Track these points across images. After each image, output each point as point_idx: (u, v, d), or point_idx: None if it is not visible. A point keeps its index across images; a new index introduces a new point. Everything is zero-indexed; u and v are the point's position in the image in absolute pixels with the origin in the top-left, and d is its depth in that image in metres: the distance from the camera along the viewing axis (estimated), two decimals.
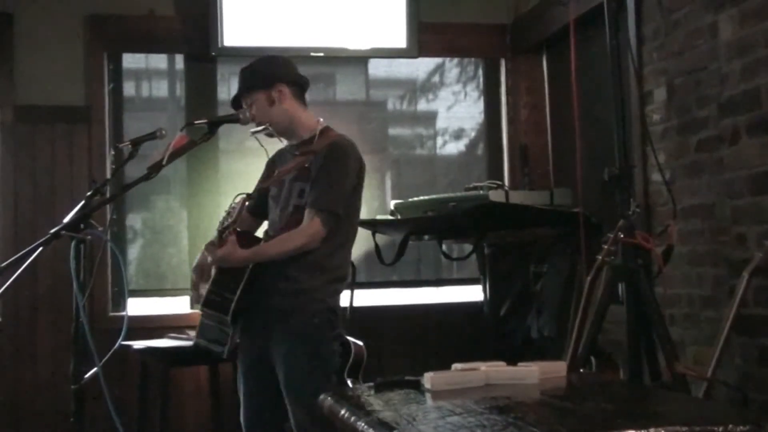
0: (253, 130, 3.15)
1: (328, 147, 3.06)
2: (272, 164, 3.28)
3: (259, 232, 3.31)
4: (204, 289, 3.06)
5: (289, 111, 3.14)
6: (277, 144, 3.29)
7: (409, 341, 4.71)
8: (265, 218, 3.26)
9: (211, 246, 2.92)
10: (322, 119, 3.22)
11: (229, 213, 2.85)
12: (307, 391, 2.80)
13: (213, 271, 3.04)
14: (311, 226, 2.97)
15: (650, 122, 3.56)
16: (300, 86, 3.20)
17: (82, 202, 2.44)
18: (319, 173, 3.02)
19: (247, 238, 3.07)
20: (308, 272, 3.01)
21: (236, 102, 3.20)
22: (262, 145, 3.19)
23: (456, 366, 2.03)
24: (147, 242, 4.85)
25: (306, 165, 3.05)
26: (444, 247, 4.65)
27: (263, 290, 3.00)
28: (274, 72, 3.16)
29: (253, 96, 3.12)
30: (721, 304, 3.11)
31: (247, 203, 2.88)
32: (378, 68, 5.15)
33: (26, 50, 4.56)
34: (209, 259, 2.97)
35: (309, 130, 3.16)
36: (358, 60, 5.02)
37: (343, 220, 3.05)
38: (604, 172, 2.77)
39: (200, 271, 3.13)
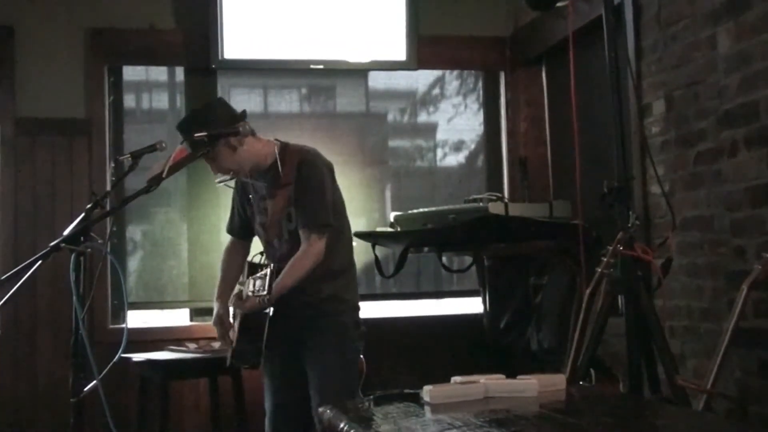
0: (219, 180, 3.21)
1: (298, 167, 3.12)
2: (244, 186, 3.32)
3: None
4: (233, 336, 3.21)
5: (251, 150, 3.13)
6: None
7: (408, 354, 4.70)
8: (252, 237, 3.40)
9: (238, 300, 3.09)
10: (272, 138, 3.23)
11: (261, 278, 2.92)
12: (338, 387, 3.04)
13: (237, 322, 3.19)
14: (312, 245, 3.07)
15: (649, 135, 3.56)
16: (244, 120, 3.12)
17: (82, 215, 2.44)
18: (301, 194, 3.11)
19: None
20: (324, 281, 3.14)
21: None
22: (230, 187, 3.32)
23: (455, 379, 2.03)
24: (147, 255, 4.85)
25: (282, 188, 3.13)
26: (444, 259, 4.65)
27: (289, 305, 3.10)
28: (222, 121, 3.05)
29: (213, 152, 3.03)
30: (720, 316, 3.11)
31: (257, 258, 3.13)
32: (378, 80, 5.16)
33: (27, 63, 4.58)
34: (235, 310, 3.14)
35: (270, 157, 3.18)
36: (358, 72, 5.03)
37: (334, 225, 3.17)
38: (603, 184, 2.77)
39: (220, 321, 3.24)
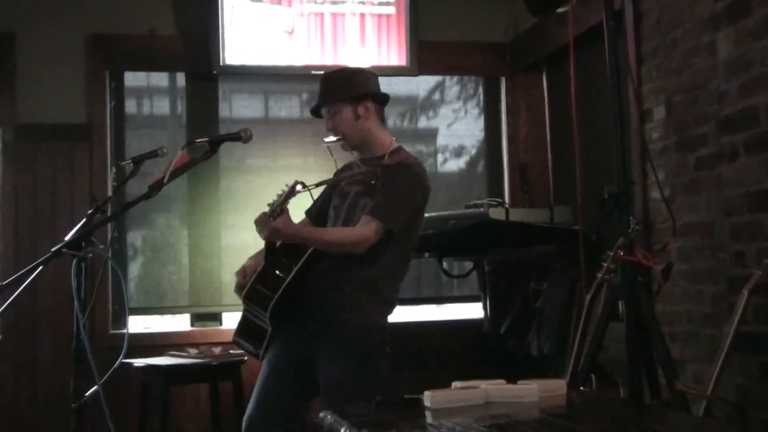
0: (327, 140, 3.13)
1: (396, 165, 3.04)
2: (340, 174, 3.26)
3: None
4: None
5: (370, 128, 3.11)
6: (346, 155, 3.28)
7: (409, 359, 4.70)
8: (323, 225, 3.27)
9: (264, 217, 2.79)
10: (395, 139, 3.20)
11: (279, 194, 2.76)
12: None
13: (258, 269, 3.03)
14: (365, 228, 2.92)
15: (649, 140, 3.57)
16: (382, 103, 3.18)
17: (83, 220, 2.44)
18: (384, 187, 3.00)
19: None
20: (364, 292, 3.00)
21: (316, 109, 3.17)
22: (332, 155, 3.19)
23: (456, 384, 2.03)
24: (147, 260, 4.85)
25: (372, 182, 3.03)
26: (444, 264, 4.65)
27: (315, 300, 2.99)
28: (363, 86, 3.12)
29: (338, 106, 3.08)
30: (720, 321, 3.11)
31: (298, 187, 2.80)
32: None
33: (28, 69, 4.58)
34: (264, 231, 2.84)
35: (382, 149, 3.13)
36: None
37: (396, 241, 3.00)
38: (604, 189, 2.78)
39: (243, 272, 3.08)
